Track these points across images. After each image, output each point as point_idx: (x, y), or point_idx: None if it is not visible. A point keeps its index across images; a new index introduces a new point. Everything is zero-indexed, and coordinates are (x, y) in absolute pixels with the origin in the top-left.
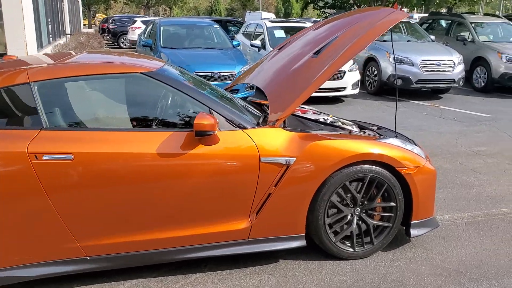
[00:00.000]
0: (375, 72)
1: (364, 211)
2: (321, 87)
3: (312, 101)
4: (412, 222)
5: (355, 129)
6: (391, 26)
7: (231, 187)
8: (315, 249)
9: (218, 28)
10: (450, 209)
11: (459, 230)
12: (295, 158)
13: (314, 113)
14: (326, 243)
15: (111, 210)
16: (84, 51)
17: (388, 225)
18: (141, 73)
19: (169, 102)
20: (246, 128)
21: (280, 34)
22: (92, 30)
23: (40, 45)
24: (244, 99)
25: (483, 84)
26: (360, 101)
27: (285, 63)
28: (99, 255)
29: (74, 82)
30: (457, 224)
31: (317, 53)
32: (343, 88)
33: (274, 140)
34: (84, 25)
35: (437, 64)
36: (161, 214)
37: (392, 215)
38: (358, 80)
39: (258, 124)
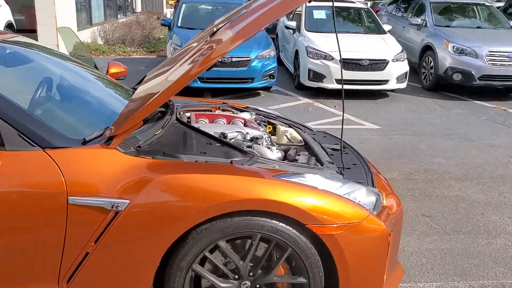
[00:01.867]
0: (432, 64)
1: (256, 287)
2: (357, 78)
3: (350, 95)
4: None
5: (274, 153)
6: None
7: (21, 239)
8: None
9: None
10: (450, 271)
11: None
12: (128, 201)
13: (232, 122)
14: None
15: None
16: None
17: None
18: None
19: None
20: (51, 147)
21: (320, 15)
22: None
23: (89, 22)
24: None
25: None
26: (407, 98)
27: (171, 61)
28: None
29: None
30: None
31: (212, 35)
32: (385, 81)
33: (98, 168)
34: (170, 5)
35: (509, 57)
36: None
37: None
38: (406, 72)
39: (85, 143)
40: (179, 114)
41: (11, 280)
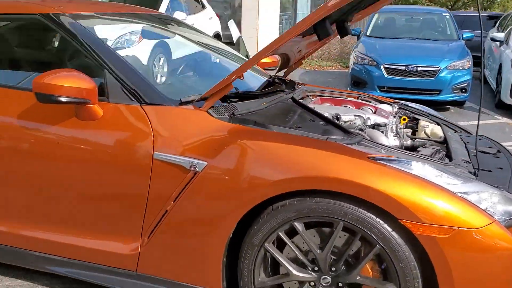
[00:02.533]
0: None
1: (338, 285)
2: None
3: None
4: None
5: (390, 139)
6: None
7: (113, 188)
8: None
9: (448, 16)
10: None
11: None
12: (206, 163)
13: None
14: None
15: None
16: None
17: None
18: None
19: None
20: (148, 103)
21: None
22: None
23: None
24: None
25: None
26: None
27: None
28: None
29: None
30: None
31: None
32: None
33: (184, 127)
34: None
35: None
36: (20, 204)
37: None
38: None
39: (181, 104)
40: (302, 96)
41: (98, 230)
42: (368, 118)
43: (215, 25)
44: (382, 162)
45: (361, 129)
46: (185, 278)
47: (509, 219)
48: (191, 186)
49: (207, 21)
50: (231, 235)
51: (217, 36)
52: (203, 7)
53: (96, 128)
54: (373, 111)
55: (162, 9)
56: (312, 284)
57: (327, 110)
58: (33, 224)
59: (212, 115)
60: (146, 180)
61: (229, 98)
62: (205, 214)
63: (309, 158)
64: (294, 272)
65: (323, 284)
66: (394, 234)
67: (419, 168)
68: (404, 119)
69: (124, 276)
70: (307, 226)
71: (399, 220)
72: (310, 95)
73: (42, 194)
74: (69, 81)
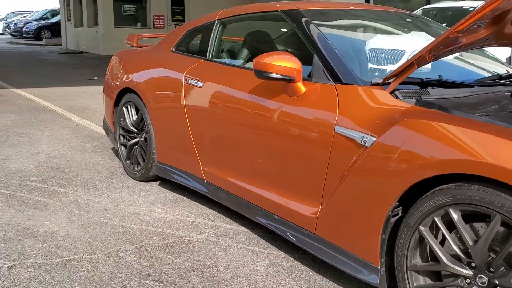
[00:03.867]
0: None
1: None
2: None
3: None
4: None
5: None
6: None
7: (304, 156)
8: None
9: None
10: None
11: None
12: (374, 139)
13: None
14: None
15: (221, 135)
16: None
17: None
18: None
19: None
20: (342, 83)
21: None
22: None
23: None
24: None
25: None
26: None
27: None
28: (213, 184)
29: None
30: None
31: None
32: None
33: (365, 105)
34: None
35: None
36: (251, 162)
37: None
38: None
39: (372, 85)
40: None
41: (290, 190)
42: None
43: None
44: None
45: None
46: (351, 247)
47: None
48: (360, 160)
49: None
50: (391, 213)
51: None
52: None
53: (297, 103)
54: None
55: None
56: (468, 281)
57: None
58: (249, 179)
59: (398, 97)
60: (327, 150)
61: (431, 85)
62: (368, 187)
63: (474, 142)
64: (445, 260)
65: (479, 283)
66: None
67: None
68: None
69: (305, 236)
70: (467, 219)
71: None
72: None
73: (255, 156)
74: (280, 61)
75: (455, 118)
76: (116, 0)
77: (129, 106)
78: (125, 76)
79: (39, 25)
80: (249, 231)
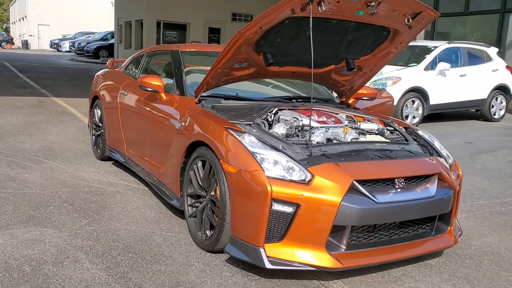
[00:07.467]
0: None
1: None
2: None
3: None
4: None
5: (280, 129)
6: None
7: (159, 134)
8: None
9: None
10: None
11: None
12: (180, 124)
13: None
14: None
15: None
16: None
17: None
18: None
19: None
20: (181, 95)
21: None
22: None
23: None
24: None
25: None
26: None
27: None
28: (128, 156)
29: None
30: None
31: None
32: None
33: (184, 106)
34: None
35: None
36: (141, 139)
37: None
38: None
39: (193, 96)
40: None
41: (153, 160)
42: (301, 120)
43: (498, 78)
44: (230, 130)
45: (270, 122)
46: (171, 186)
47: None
48: (174, 135)
49: (487, 73)
50: (183, 165)
51: (500, 88)
52: (489, 59)
53: (160, 103)
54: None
55: (429, 58)
56: (204, 199)
57: (291, 114)
58: (141, 151)
59: (201, 103)
60: (168, 129)
61: (230, 98)
62: (176, 149)
63: (205, 127)
64: (196, 187)
65: (207, 198)
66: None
67: (247, 138)
68: (347, 129)
69: (157, 182)
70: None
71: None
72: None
73: (142, 134)
74: (151, 80)
75: (212, 115)
76: (161, 27)
77: (96, 108)
78: (95, 86)
79: (98, 45)
80: (147, 189)
